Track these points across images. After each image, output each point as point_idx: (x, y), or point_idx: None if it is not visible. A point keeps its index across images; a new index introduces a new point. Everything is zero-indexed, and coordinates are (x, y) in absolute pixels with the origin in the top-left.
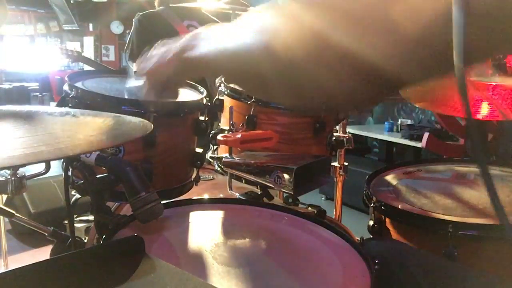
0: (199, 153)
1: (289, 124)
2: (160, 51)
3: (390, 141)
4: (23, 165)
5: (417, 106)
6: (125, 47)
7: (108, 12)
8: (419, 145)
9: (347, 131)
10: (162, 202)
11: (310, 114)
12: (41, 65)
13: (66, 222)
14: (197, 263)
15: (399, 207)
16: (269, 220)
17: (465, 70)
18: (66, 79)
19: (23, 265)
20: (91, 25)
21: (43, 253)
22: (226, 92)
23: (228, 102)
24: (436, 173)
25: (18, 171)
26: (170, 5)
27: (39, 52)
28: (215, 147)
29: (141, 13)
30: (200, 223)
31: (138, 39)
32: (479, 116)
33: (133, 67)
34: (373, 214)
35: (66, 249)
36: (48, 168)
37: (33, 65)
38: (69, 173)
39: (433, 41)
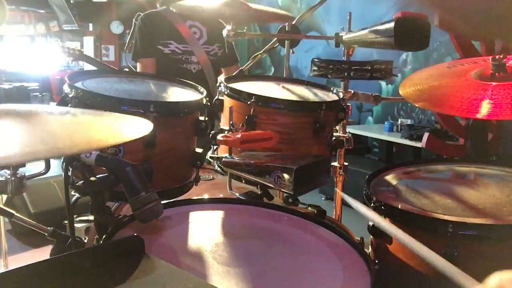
0: (199, 153)
1: (289, 124)
2: None
3: (390, 141)
4: (21, 163)
5: (417, 106)
6: (125, 47)
7: (108, 12)
8: (419, 145)
9: (347, 131)
10: (162, 202)
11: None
12: (41, 65)
13: (66, 222)
14: (197, 263)
15: (399, 207)
16: (269, 220)
17: None
18: (66, 79)
19: (23, 265)
20: (91, 25)
21: (43, 253)
22: (226, 92)
23: (228, 102)
24: (436, 173)
25: (18, 171)
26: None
27: (39, 52)
28: (215, 147)
29: (144, 13)
30: (200, 223)
31: (142, 39)
32: (479, 116)
33: (137, 67)
34: None
35: (66, 249)
36: (48, 168)
37: (33, 65)
38: (69, 173)
39: None
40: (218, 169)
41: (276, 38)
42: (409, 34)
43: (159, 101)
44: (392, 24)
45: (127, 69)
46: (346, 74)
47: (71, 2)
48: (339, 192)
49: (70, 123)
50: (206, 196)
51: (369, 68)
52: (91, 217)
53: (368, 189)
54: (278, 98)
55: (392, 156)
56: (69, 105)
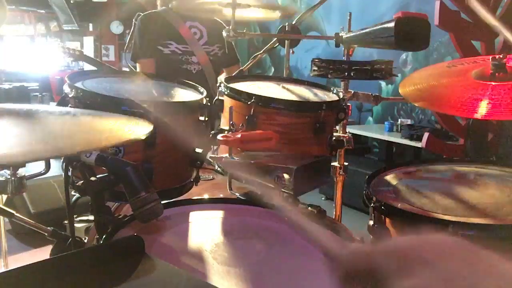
0: (199, 153)
1: (289, 124)
2: None
3: (390, 141)
4: (22, 163)
5: (417, 106)
6: (125, 47)
7: (108, 12)
8: (419, 145)
9: (347, 131)
10: (162, 202)
11: None
12: (41, 65)
13: (66, 222)
14: (197, 263)
15: (399, 207)
16: (269, 220)
17: None
18: (66, 79)
19: (23, 265)
20: (91, 25)
21: (43, 253)
22: (226, 92)
23: (228, 102)
24: (436, 173)
25: (18, 171)
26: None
27: (39, 52)
28: (215, 147)
29: (143, 13)
30: (200, 223)
31: (141, 39)
32: (478, 116)
33: (136, 67)
34: (373, 214)
35: (66, 249)
36: (48, 168)
37: (33, 65)
38: (69, 173)
39: None
40: (218, 169)
41: (276, 38)
42: (409, 34)
43: (159, 101)
44: (392, 24)
45: (127, 69)
46: (346, 74)
47: (71, 2)
48: None
49: (71, 123)
50: (206, 196)
51: (369, 68)
52: (91, 217)
53: (368, 189)
54: (278, 98)
55: (392, 156)
56: (69, 105)
